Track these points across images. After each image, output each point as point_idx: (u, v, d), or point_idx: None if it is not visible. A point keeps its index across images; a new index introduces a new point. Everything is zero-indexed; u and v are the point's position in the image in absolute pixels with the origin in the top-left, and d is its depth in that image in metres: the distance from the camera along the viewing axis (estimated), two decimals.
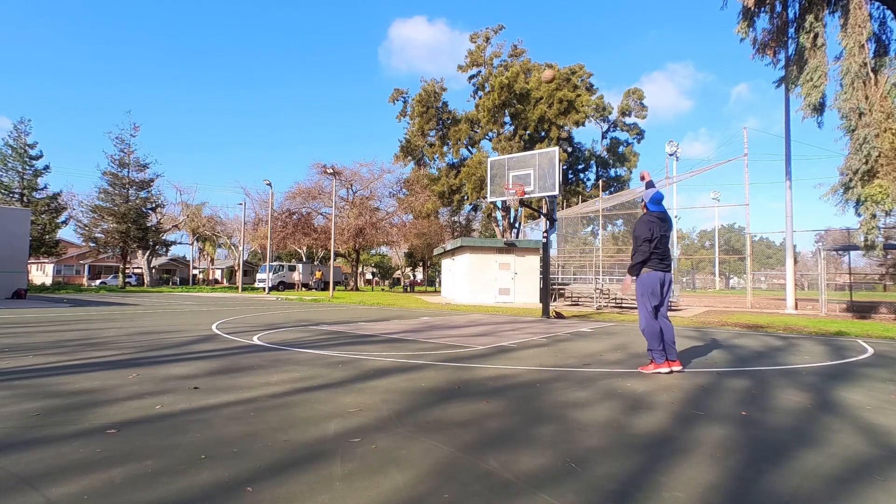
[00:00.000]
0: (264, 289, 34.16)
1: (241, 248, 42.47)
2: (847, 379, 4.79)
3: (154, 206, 42.55)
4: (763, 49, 15.32)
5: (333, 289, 29.75)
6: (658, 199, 5.07)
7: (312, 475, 2.15)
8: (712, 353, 6.39)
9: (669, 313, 5.21)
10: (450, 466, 2.28)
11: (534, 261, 21.07)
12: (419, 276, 69.73)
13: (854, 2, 12.54)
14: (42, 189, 39.68)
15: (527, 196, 12.46)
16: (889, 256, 18.37)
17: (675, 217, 48.76)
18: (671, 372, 4.73)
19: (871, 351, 6.91)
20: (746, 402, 3.69)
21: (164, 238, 45.02)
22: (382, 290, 54.98)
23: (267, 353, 5.78)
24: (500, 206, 38.49)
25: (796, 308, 16.42)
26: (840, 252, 18.84)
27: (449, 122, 41.82)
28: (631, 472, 2.23)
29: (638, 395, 3.84)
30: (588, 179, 44.73)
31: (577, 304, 19.63)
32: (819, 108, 13.60)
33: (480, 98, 39.86)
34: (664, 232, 4.91)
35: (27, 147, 38.73)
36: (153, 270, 47.57)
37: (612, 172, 44.98)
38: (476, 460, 2.36)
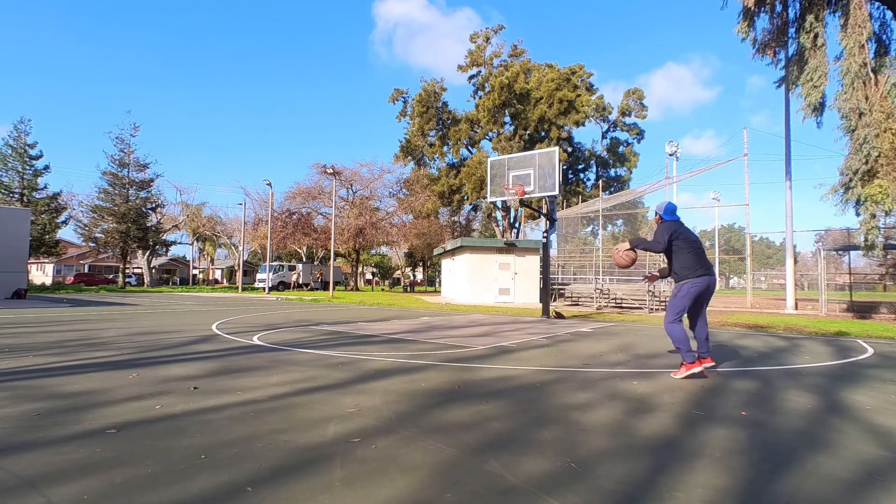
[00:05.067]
0: (264, 289, 34.15)
1: (241, 248, 42.43)
2: (848, 379, 4.79)
3: (154, 206, 42.54)
4: (763, 49, 15.31)
5: (333, 289, 29.74)
6: (672, 208, 5.02)
7: (313, 476, 2.15)
8: (713, 354, 6.37)
9: (664, 314, 5.26)
10: (451, 468, 2.27)
11: (534, 261, 21.06)
12: (419, 276, 69.72)
13: (854, 2, 12.53)
14: (42, 189, 39.67)
15: (527, 196, 12.46)
16: (889, 256, 18.37)
17: None
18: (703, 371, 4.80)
19: (871, 351, 6.91)
20: (748, 403, 3.68)
21: (164, 238, 45.01)
22: (382, 290, 54.96)
23: (267, 354, 5.78)
24: (500, 207, 38.51)
25: (796, 308, 16.42)
26: (840, 252, 18.85)
27: (449, 122, 41.83)
28: (633, 474, 2.23)
29: (640, 397, 3.83)
30: (588, 179, 44.79)
31: (577, 304, 19.62)
32: (819, 108, 13.60)
33: (480, 98, 39.86)
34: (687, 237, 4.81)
35: (27, 147, 38.70)
36: (153, 270, 47.55)
37: (612, 172, 45.00)
38: (478, 462, 2.36)
